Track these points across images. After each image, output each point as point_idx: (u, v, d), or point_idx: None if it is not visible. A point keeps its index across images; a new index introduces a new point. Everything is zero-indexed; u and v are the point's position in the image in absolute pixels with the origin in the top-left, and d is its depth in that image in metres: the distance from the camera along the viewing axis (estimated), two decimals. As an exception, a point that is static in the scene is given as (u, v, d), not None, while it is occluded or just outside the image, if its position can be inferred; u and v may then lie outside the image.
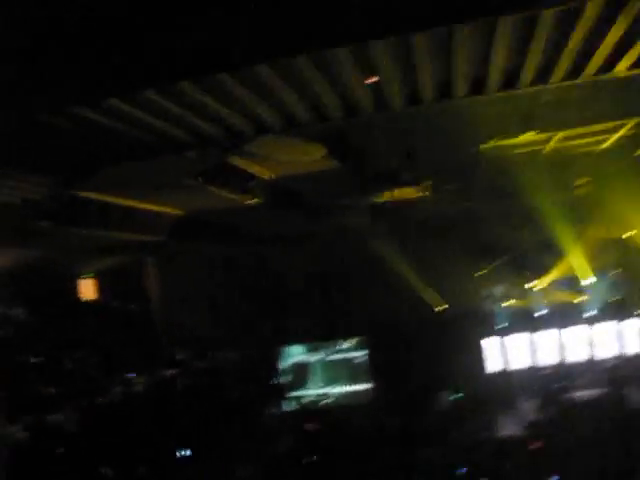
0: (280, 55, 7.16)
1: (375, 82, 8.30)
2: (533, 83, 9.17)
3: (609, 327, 22.63)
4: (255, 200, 13.96)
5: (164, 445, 17.07)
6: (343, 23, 6.64)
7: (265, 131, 9.84)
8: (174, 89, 7.70)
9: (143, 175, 12.05)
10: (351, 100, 8.97)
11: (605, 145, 14.77)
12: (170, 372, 20.16)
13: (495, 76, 8.65)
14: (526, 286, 22.46)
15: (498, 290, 22.72)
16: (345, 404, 22.51)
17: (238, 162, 12.42)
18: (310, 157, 12.41)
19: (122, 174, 11.63)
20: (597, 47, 8.19)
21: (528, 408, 20.56)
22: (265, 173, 13.66)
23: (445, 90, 8.99)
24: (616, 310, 22.53)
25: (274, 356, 23.10)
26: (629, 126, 13.16)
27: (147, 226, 15.92)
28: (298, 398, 22.89)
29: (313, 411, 22.42)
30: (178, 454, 17.35)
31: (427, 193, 16.88)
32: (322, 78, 8.07)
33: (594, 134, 13.82)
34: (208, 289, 21.64)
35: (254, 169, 13.17)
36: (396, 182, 15.61)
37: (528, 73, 8.71)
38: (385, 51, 7.50)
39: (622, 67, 8.92)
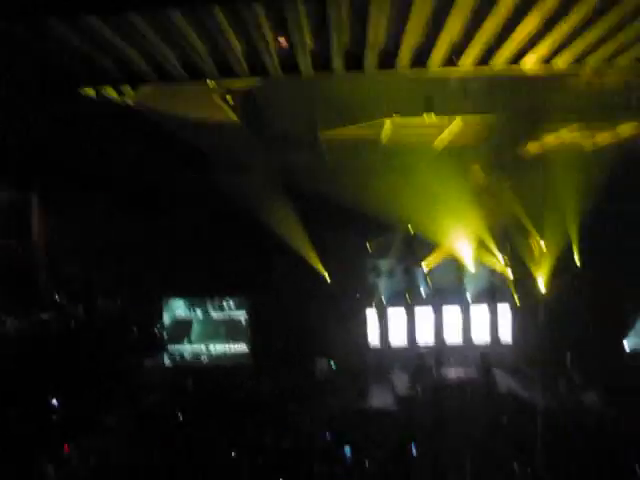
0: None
1: (284, 46, 8.17)
2: (443, 65, 9.25)
3: (484, 310, 23.49)
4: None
5: (33, 391, 16.54)
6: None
7: (169, 78, 9.56)
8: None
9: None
10: (259, 60, 8.80)
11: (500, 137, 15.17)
12: (46, 315, 19.50)
13: (406, 53, 8.67)
14: (410, 263, 22.90)
15: (383, 264, 23.09)
16: (222, 362, 22.46)
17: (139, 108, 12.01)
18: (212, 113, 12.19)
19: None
20: (506, 39, 8.34)
21: (400, 382, 21.13)
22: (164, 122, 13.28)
23: (355, 60, 8.95)
24: (492, 294, 23.38)
25: (155, 308, 22.73)
26: (525, 120, 13.54)
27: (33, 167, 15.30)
28: (178, 353, 22.66)
29: (188, 367, 22.26)
30: (48, 401, 16.88)
31: (325, 161, 16.96)
32: (235, 33, 7.88)
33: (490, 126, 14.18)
34: (95, 237, 21.01)
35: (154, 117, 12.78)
36: (295, 146, 15.58)
37: (439, 54, 8.78)
38: (299, 16, 7.38)
39: (528, 63, 9.13)
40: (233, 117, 12.62)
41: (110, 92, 10.66)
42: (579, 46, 8.73)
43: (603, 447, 12.95)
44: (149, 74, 9.36)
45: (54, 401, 16.86)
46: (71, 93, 10.36)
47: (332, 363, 21.85)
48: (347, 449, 13.30)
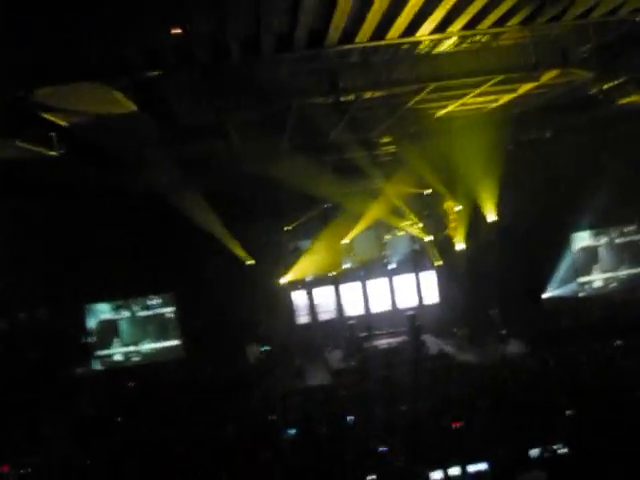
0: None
1: (180, 34, 8.08)
2: (340, 42, 9.33)
3: (408, 277, 23.99)
4: (55, 152, 13.16)
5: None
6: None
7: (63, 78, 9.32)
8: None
9: None
10: (155, 51, 8.68)
11: (406, 107, 15.43)
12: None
13: (302, 33, 8.71)
14: (331, 240, 23.09)
15: (304, 244, 23.22)
16: (154, 360, 22.26)
17: (36, 112, 11.67)
18: (117, 108, 11.94)
19: None
20: (400, 10, 8.47)
21: (334, 357, 21.41)
22: (64, 123, 12.94)
23: (252, 45, 8.93)
24: (415, 261, 23.87)
25: (79, 315, 22.29)
26: (427, 90, 13.81)
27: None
28: (107, 356, 22.32)
29: (122, 369, 21.97)
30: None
31: (234, 149, 16.89)
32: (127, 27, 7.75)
33: (396, 96, 14.40)
34: (7, 247, 20.33)
35: (53, 119, 12.44)
36: (204, 137, 15.45)
37: (334, 32, 8.85)
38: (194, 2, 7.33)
39: (424, 32, 9.30)
40: (136, 112, 12.40)
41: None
42: (471, 11, 8.96)
43: (534, 393, 13.50)
44: (41, 75, 9.10)
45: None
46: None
47: (264, 347, 21.95)
48: (291, 431, 13.40)
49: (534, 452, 10.02)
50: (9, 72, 8.81)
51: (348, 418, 13.53)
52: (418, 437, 11.93)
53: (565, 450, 10.09)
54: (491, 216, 21.35)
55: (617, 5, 9.58)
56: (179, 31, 7.98)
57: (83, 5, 7.06)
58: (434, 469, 9.81)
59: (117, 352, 22.41)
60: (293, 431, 13.33)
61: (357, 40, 9.23)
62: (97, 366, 22.13)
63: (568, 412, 11.79)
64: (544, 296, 22.97)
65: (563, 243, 23.17)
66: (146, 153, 16.91)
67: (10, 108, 10.88)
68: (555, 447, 10.12)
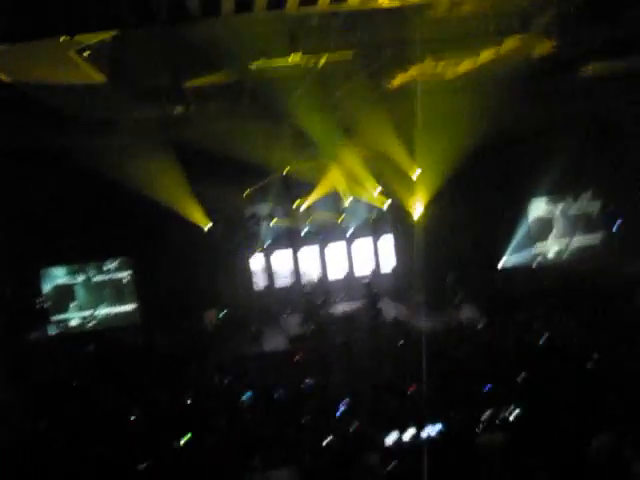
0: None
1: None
2: (301, 4, 9.22)
3: (366, 244, 24.10)
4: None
5: None
6: None
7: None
8: None
9: None
10: (111, 8, 8.47)
11: (367, 71, 15.38)
12: None
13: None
14: (289, 205, 23.04)
15: (263, 209, 23.11)
16: (110, 325, 22.10)
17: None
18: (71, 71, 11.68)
19: None
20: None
21: (291, 323, 21.49)
22: (15, 82, 12.61)
23: (212, 5, 8.77)
24: (372, 227, 23.97)
25: (34, 278, 21.97)
26: (387, 55, 13.78)
27: None
28: (63, 321, 22.09)
29: (77, 334, 21.78)
30: None
31: (191, 110, 16.70)
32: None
33: (357, 59, 14.32)
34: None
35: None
36: (162, 98, 15.23)
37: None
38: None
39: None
40: (93, 74, 12.15)
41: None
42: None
43: (486, 358, 13.78)
44: (95, 21, 8.80)
45: None
46: None
47: (221, 313, 21.92)
48: (247, 394, 13.44)
49: (487, 415, 10.24)
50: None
51: (306, 382, 13.65)
52: (374, 401, 12.11)
53: (518, 411, 10.33)
54: (449, 183, 21.46)
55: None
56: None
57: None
58: (389, 432, 9.98)
59: (73, 317, 22.19)
60: (249, 394, 13.39)
61: (319, 3, 9.13)
62: (52, 331, 21.89)
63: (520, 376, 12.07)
64: (499, 265, 23.32)
65: (519, 211, 23.48)
66: (103, 114, 16.64)
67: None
68: (509, 409, 10.36)
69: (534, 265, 23.66)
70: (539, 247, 23.79)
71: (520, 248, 23.52)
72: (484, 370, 12.90)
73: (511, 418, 10.30)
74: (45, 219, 20.69)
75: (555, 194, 23.60)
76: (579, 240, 24.02)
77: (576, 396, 10.40)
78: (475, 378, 12.29)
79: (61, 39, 9.75)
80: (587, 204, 23.92)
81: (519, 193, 22.90)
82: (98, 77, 12.39)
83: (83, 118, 16.64)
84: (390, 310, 21.27)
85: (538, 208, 23.79)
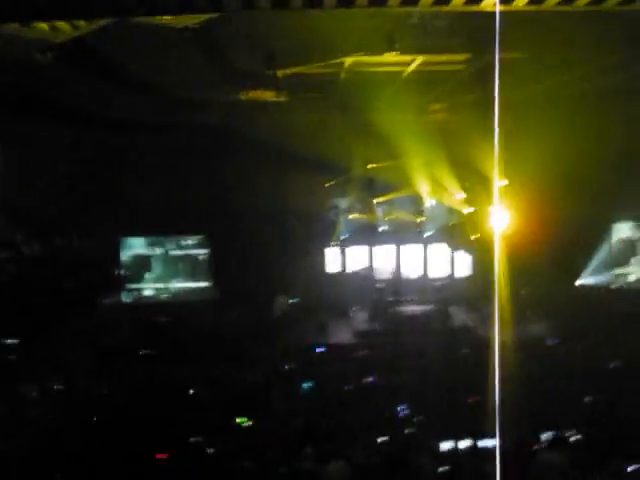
0: None
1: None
2: (402, 4, 9.17)
3: (442, 249, 23.87)
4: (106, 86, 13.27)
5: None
6: None
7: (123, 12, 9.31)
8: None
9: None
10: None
11: (462, 75, 15.20)
12: (2, 255, 19.25)
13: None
14: (370, 201, 22.99)
15: (343, 202, 23.16)
16: (181, 299, 22.58)
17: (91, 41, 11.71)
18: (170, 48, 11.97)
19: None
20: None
21: (360, 318, 21.51)
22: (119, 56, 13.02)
23: (313, -2, 8.82)
24: (450, 234, 23.72)
25: (114, 246, 22.63)
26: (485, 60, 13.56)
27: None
28: (137, 290, 22.71)
29: (150, 304, 22.36)
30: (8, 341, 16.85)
31: (283, 98, 16.84)
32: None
33: (453, 63, 14.17)
34: (51, 172, 20.58)
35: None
36: (255, 82, 15.44)
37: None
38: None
39: (489, 1, 9.11)
40: (192, 54, 12.41)
41: (64, 27, 10.38)
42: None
43: (553, 378, 13.47)
44: (105, 9, 9.10)
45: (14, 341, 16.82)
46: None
47: (292, 300, 22.11)
48: (306, 384, 13.54)
49: (547, 435, 10.04)
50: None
51: (368, 379, 13.66)
52: (432, 406, 12.03)
53: (579, 436, 10.10)
54: (533, 196, 21.07)
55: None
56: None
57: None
58: (445, 440, 9.90)
59: (147, 287, 22.77)
60: (308, 384, 13.47)
61: (420, 3, 9.06)
62: (127, 299, 22.52)
63: (586, 399, 11.78)
64: (577, 282, 22.76)
65: (603, 231, 22.84)
66: (195, 93, 16.98)
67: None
68: (569, 432, 10.14)
69: (613, 287, 22.99)
70: (620, 269, 23.07)
71: (600, 269, 22.89)
72: (549, 389, 12.63)
73: (572, 439, 10.08)
74: (131, 189, 21.30)
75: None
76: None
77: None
78: (540, 396, 12.06)
79: (165, 18, 10.00)
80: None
81: (604, 212, 22.23)
82: (195, 58, 12.63)
83: (179, 96, 17.01)
84: (458, 316, 21.07)
85: (622, 229, 23.05)
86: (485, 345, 15.87)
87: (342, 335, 20.05)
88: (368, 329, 20.35)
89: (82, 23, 10.27)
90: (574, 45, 13.02)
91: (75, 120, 18.22)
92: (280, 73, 14.39)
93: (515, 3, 9.14)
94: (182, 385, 13.67)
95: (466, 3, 9.14)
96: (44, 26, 10.30)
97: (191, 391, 13.37)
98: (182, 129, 19.69)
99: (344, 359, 16.08)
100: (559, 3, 9.35)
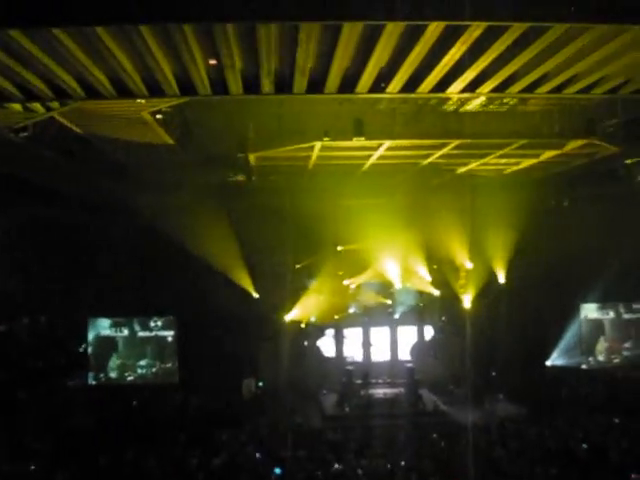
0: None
1: (215, 65, 8.23)
2: (370, 91, 9.43)
3: (410, 330, 23.89)
4: (77, 165, 13.34)
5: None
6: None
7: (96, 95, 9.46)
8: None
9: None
10: (189, 79, 8.82)
11: (428, 160, 15.56)
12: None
13: (335, 78, 8.82)
14: (339, 283, 23.02)
15: (312, 284, 23.12)
16: (149, 381, 22.15)
17: (66, 123, 11.83)
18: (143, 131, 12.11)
19: None
20: (433, 67, 8.59)
21: (329, 401, 21.23)
22: (92, 138, 13.13)
23: (285, 84, 9.06)
24: (418, 315, 23.78)
25: (80, 327, 22.27)
26: (451, 146, 13.94)
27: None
28: (101, 372, 22.23)
29: (115, 386, 21.89)
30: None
31: (253, 181, 17.07)
32: (162, 53, 7.89)
33: (420, 148, 14.51)
34: (15, 250, 20.45)
35: (80, 133, 12.62)
36: (226, 166, 15.63)
37: (367, 80, 8.96)
38: (229, 37, 7.45)
39: (455, 89, 9.41)
40: (164, 136, 12.56)
41: (37, 107, 10.51)
42: (502, 75, 9.07)
43: (523, 461, 13.34)
44: (77, 91, 9.25)
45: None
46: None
47: (260, 383, 21.84)
48: (277, 470, 13.24)
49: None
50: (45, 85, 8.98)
51: (335, 466, 13.41)
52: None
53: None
54: (501, 278, 21.44)
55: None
56: (215, 62, 8.13)
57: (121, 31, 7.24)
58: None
59: (112, 369, 22.31)
60: (278, 470, 13.18)
61: (388, 90, 9.32)
62: (91, 381, 22.02)
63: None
64: (547, 363, 22.80)
65: (570, 313, 23.04)
66: (166, 175, 17.11)
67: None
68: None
69: (582, 368, 23.04)
70: (588, 350, 23.18)
71: (569, 350, 22.98)
72: (519, 474, 12.50)
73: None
74: (97, 270, 21.21)
75: (609, 299, 23.12)
76: (632, 346, 23.35)
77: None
78: (510, 477, 11.94)
79: (137, 100, 10.16)
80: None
81: (572, 295, 22.51)
82: (168, 139, 12.78)
83: (149, 176, 17.12)
84: (430, 399, 20.91)
85: (590, 311, 23.29)
86: (457, 429, 15.89)
87: (311, 419, 19.74)
88: (337, 414, 20.06)
89: (55, 104, 10.38)
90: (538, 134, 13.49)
91: (45, 199, 18.24)
92: (252, 157, 14.59)
93: (479, 90, 9.47)
94: (149, 473, 13.29)
95: (432, 90, 9.43)
96: (17, 107, 10.40)
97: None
98: (150, 209, 19.76)
99: (311, 444, 15.78)
100: (521, 91, 9.71)
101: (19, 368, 19.90)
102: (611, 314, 23.26)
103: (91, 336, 22.19)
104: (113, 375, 22.21)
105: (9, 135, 11.39)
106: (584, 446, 14.17)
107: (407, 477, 12.49)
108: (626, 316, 23.32)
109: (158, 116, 11.49)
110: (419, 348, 23.90)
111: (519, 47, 8.12)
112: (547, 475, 12.22)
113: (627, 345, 23.26)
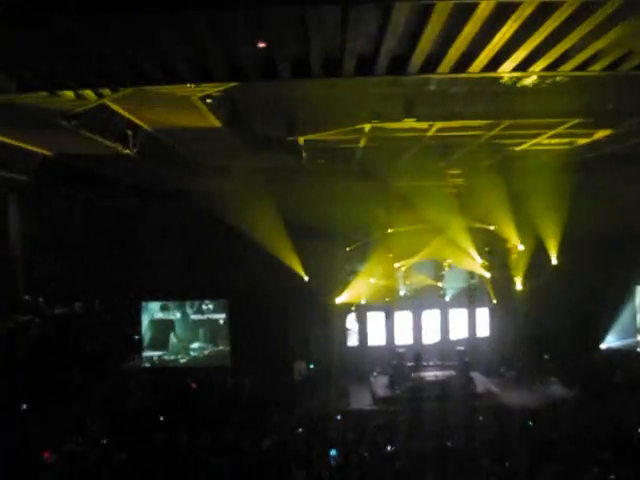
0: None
1: (264, 48, 8.22)
2: (421, 71, 9.32)
3: (461, 312, 23.72)
4: (130, 150, 13.47)
5: (11, 394, 16.39)
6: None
7: (147, 81, 9.55)
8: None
9: (14, 112, 11.38)
10: (239, 64, 8.83)
11: (479, 142, 15.35)
12: (25, 318, 19.33)
13: (385, 59, 8.75)
14: (389, 266, 22.95)
15: (362, 267, 23.09)
16: (201, 364, 22.49)
17: (116, 109, 11.98)
18: (193, 116, 12.18)
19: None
20: (484, 46, 8.46)
21: (380, 384, 21.27)
22: (143, 124, 13.26)
23: (334, 66, 9.01)
24: (470, 297, 23.56)
25: (134, 310, 22.72)
26: (502, 126, 13.72)
27: (13, 163, 15.08)
28: (155, 354, 22.66)
29: (169, 368, 22.29)
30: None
31: (303, 164, 17.04)
32: (213, 38, 7.91)
33: (471, 129, 14.32)
34: (71, 234, 20.87)
35: (132, 118, 12.76)
36: (275, 149, 15.62)
37: (417, 60, 8.86)
38: (278, 19, 7.44)
39: (506, 68, 9.25)
40: (213, 120, 12.62)
41: (89, 94, 10.66)
42: (554, 53, 8.87)
43: (578, 445, 13.20)
44: (126, 77, 9.35)
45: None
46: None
47: (310, 365, 21.97)
48: (333, 451, 13.34)
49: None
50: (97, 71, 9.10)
51: (388, 447, 13.45)
52: (451, 475, 11.81)
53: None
54: (553, 259, 21.13)
55: None
56: (264, 45, 8.12)
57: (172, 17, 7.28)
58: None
59: (167, 352, 22.71)
60: (334, 452, 13.28)
61: (439, 70, 9.21)
62: (146, 363, 22.47)
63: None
64: (602, 346, 22.47)
65: (625, 295, 22.64)
66: (217, 160, 17.23)
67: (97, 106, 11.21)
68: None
69: (639, 350, 22.66)
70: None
71: (624, 332, 22.60)
72: (570, 456, 12.37)
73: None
74: (151, 254, 21.54)
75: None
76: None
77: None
78: (560, 464, 11.82)
79: (188, 85, 10.23)
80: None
81: (627, 276, 22.09)
82: (217, 123, 12.83)
83: (199, 161, 17.26)
84: (481, 381, 20.80)
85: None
86: (508, 412, 15.80)
87: (362, 401, 19.82)
88: (389, 395, 20.09)
89: (106, 91, 10.52)
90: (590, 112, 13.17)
91: (99, 186, 18.58)
92: (301, 139, 14.57)
93: (531, 69, 9.29)
94: (199, 454, 13.52)
95: (483, 70, 9.28)
96: (70, 94, 10.56)
97: (209, 460, 13.17)
98: (201, 194, 19.96)
99: (363, 427, 15.82)
100: (574, 69, 9.49)
101: (76, 352, 20.34)
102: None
103: (145, 320, 22.63)
104: (167, 357, 22.62)
105: (62, 122, 11.55)
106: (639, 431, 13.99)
107: (458, 459, 12.46)
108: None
109: (208, 100, 11.54)
110: (470, 330, 23.73)
111: (572, 24, 7.93)
112: (600, 460, 12.07)
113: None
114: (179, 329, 22.83)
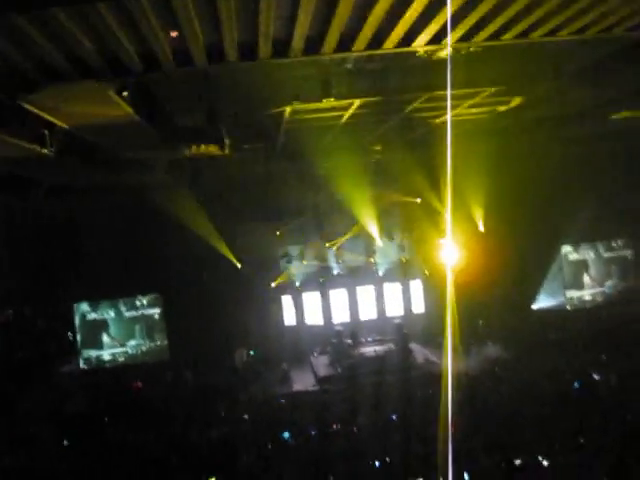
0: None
1: (177, 37, 8.10)
2: (336, 50, 9.35)
3: (396, 286, 24.03)
4: (47, 150, 13.09)
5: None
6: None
7: (57, 78, 9.30)
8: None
9: None
10: (151, 53, 8.69)
11: (402, 115, 15.50)
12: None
13: (299, 40, 8.74)
14: (321, 246, 23.09)
15: (294, 249, 23.18)
16: (140, 360, 22.22)
17: (31, 109, 11.62)
18: (110, 110, 11.92)
19: None
20: (397, 21, 8.53)
21: (321, 363, 21.41)
22: (59, 122, 12.91)
23: (249, 50, 8.96)
24: (402, 270, 23.89)
25: (67, 313, 22.23)
26: (421, 99, 13.89)
27: None
28: (92, 355, 22.26)
29: (107, 368, 21.95)
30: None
31: (227, 152, 16.89)
32: (121, 28, 7.74)
33: (391, 103, 14.43)
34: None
35: (47, 117, 12.40)
36: (197, 139, 15.44)
37: (331, 40, 8.88)
38: (190, 5, 7.33)
39: (420, 42, 9.35)
40: (131, 113, 12.38)
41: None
42: (466, 24, 9.01)
43: (517, 403, 13.60)
44: (36, 75, 9.09)
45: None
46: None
47: (252, 352, 21.96)
48: (285, 434, 13.43)
49: (518, 462, 10.10)
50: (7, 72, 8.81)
51: (334, 426, 13.59)
52: (405, 446, 12.00)
53: (548, 461, 10.17)
54: (480, 226, 21.58)
55: (612, 24, 9.64)
56: (176, 34, 8.01)
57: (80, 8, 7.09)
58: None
59: (103, 352, 22.34)
60: (287, 435, 13.36)
61: (353, 49, 9.25)
62: (83, 365, 22.07)
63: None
64: (533, 307, 23.11)
65: (552, 256, 23.30)
66: (138, 153, 16.93)
67: (4, 106, 10.84)
68: (540, 458, 10.20)
69: (568, 309, 23.39)
70: (572, 292, 23.50)
71: (553, 292, 23.30)
72: (514, 416, 12.74)
73: (545, 463, 10.15)
74: (79, 255, 21.10)
75: (589, 239, 23.42)
76: (614, 284, 23.73)
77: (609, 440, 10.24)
78: (505, 424, 12.15)
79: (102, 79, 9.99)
80: (620, 249, 23.70)
81: (553, 237, 22.74)
82: (135, 117, 12.59)
83: (120, 156, 16.94)
84: (420, 352, 21.15)
85: (572, 252, 23.57)
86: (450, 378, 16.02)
87: (305, 382, 19.94)
88: (331, 374, 20.25)
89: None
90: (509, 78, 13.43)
91: (19, 189, 18.06)
92: (222, 127, 14.45)
93: (444, 42, 9.42)
94: (147, 451, 13.40)
95: (398, 45, 9.37)
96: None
97: (158, 456, 13.07)
98: (126, 190, 19.63)
99: (308, 408, 15.94)
100: (487, 39, 9.67)
101: (9, 361, 19.87)
102: (591, 254, 23.61)
103: (78, 321, 22.19)
104: (104, 358, 22.26)
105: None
106: (575, 385, 14.48)
107: (405, 429, 12.68)
108: (606, 255, 23.69)
109: (124, 93, 11.30)
110: (405, 303, 24.08)
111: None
112: (540, 415, 12.45)
113: (609, 283, 23.66)
114: (114, 328, 22.45)
